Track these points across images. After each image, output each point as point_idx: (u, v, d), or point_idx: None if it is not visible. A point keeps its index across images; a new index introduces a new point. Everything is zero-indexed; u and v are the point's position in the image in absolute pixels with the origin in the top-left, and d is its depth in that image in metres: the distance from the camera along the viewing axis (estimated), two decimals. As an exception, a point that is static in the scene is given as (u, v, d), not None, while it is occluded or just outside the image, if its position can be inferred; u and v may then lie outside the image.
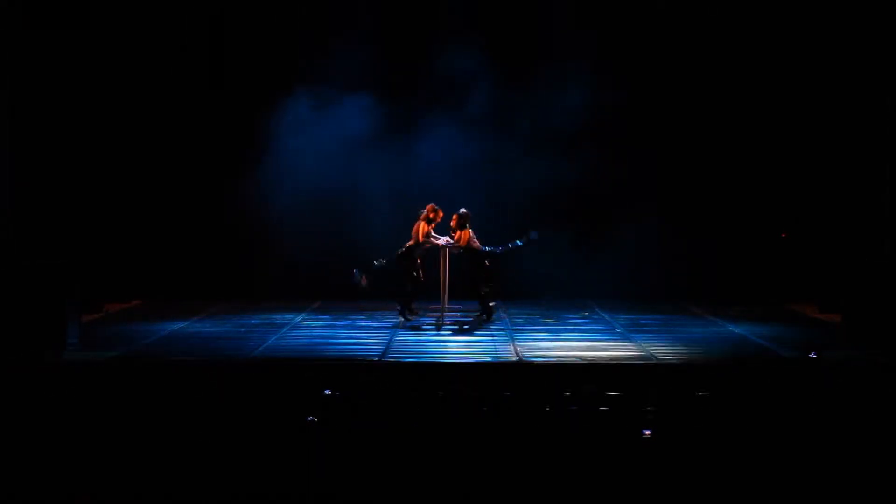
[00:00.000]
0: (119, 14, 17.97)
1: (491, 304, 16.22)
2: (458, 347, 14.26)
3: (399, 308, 16.40)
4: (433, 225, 16.07)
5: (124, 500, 7.73)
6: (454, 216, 15.96)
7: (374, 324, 16.33)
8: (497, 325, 16.05)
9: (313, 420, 9.35)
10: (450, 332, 15.37)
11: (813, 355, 12.72)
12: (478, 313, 16.18)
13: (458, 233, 15.83)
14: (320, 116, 18.88)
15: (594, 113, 18.88)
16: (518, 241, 16.12)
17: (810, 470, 8.34)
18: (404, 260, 16.03)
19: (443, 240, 15.94)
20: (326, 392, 10.57)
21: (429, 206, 16.09)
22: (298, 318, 16.81)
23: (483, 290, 16.02)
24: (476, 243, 15.89)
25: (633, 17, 18.97)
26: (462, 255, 15.92)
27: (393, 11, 19.06)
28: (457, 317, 16.34)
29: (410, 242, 16.02)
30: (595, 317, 17.08)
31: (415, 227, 16.02)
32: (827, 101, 17.79)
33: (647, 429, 9.31)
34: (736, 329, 15.65)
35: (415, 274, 16.11)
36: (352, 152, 19.11)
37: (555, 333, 15.40)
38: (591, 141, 19.03)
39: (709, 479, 8.13)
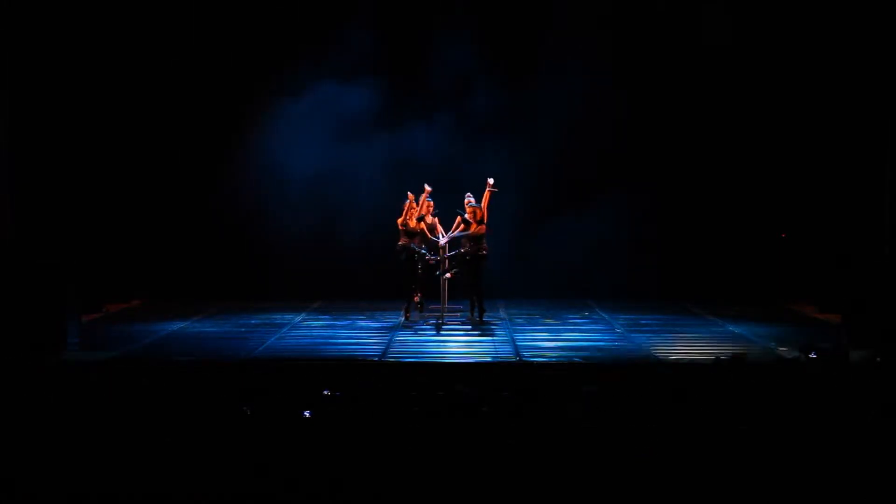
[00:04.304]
0: (118, 12, 17.99)
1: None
2: (458, 347, 14.27)
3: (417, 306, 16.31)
4: (416, 214, 15.81)
5: (124, 501, 7.73)
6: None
7: (374, 324, 16.33)
8: (497, 325, 16.05)
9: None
10: (450, 332, 15.37)
11: (813, 355, 12.71)
12: (471, 311, 16.12)
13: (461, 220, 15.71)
14: (321, 115, 18.88)
15: (594, 110, 18.89)
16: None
17: (809, 470, 8.35)
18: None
19: (442, 239, 15.86)
20: (325, 392, 10.56)
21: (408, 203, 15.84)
22: (298, 318, 16.81)
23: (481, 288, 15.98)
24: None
25: (632, 17, 18.97)
26: (465, 251, 15.73)
27: (387, 2, 19.05)
28: (457, 317, 16.33)
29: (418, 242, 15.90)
30: (595, 317, 17.08)
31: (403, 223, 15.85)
32: (827, 101, 17.79)
33: (646, 429, 9.30)
34: (736, 329, 15.65)
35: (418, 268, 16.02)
36: (352, 150, 19.10)
37: (555, 333, 15.40)
38: (589, 139, 19.03)
39: (708, 479, 8.13)
